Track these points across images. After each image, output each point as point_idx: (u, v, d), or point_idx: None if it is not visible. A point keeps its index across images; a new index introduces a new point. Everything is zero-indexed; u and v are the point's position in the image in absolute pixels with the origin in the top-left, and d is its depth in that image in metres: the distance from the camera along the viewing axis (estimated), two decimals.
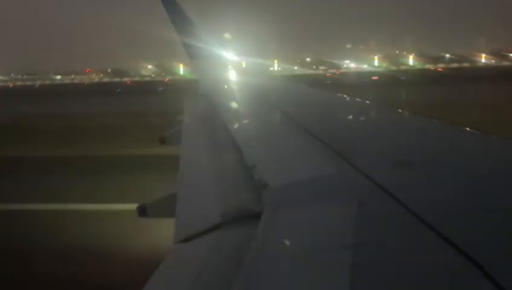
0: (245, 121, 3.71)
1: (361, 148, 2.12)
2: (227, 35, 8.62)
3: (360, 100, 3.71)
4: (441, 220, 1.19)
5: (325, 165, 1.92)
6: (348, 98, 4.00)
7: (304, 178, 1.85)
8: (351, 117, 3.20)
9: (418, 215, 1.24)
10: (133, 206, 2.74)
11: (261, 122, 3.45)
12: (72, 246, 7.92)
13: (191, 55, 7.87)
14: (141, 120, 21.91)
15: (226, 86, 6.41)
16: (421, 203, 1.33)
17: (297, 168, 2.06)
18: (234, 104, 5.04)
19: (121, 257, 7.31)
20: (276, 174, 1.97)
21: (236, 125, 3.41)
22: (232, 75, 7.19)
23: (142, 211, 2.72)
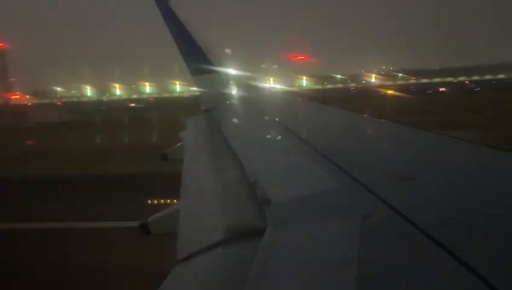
0: (247, 137, 3.71)
1: (364, 163, 2.12)
2: (227, 51, 8.70)
3: (360, 115, 3.72)
4: (444, 233, 1.19)
5: (327, 180, 1.92)
6: (348, 113, 4.01)
7: (306, 193, 1.84)
8: (352, 131, 3.21)
9: (421, 228, 1.23)
10: (136, 224, 2.73)
11: (263, 138, 3.46)
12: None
13: (193, 71, 7.92)
14: None
15: (227, 102, 6.44)
16: (424, 216, 1.32)
17: (299, 183, 2.06)
18: (236, 120, 5.06)
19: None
20: (279, 190, 1.97)
21: (238, 141, 3.42)
22: (234, 91, 7.23)
23: (145, 228, 2.71)
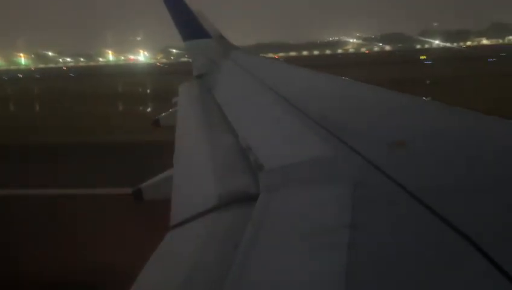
0: (239, 103, 3.68)
1: (358, 129, 2.11)
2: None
3: (354, 81, 3.68)
4: (439, 201, 1.19)
5: (322, 147, 1.91)
6: (343, 79, 3.97)
7: (300, 160, 1.84)
8: (346, 98, 3.18)
9: (416, 195, 1.24)
10: (129, 190, 2.74)
11: (256, 104, 3.42)
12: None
13: (184, 36, 7.77)
14: None
15: (220, 67, 6.35)
16: (419, 184, 1.32)
17: (293, 149, 2.05)
18: (228, 86, 5.00)
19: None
20: (272, 156, 1.96)
21: (231, 107, 3.39)
22: (225, 56, 7.11)
23: (138, 195, 2.72)
